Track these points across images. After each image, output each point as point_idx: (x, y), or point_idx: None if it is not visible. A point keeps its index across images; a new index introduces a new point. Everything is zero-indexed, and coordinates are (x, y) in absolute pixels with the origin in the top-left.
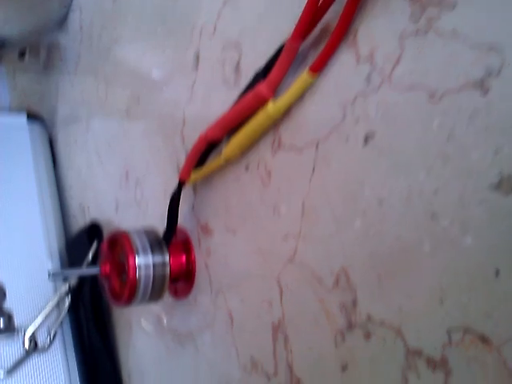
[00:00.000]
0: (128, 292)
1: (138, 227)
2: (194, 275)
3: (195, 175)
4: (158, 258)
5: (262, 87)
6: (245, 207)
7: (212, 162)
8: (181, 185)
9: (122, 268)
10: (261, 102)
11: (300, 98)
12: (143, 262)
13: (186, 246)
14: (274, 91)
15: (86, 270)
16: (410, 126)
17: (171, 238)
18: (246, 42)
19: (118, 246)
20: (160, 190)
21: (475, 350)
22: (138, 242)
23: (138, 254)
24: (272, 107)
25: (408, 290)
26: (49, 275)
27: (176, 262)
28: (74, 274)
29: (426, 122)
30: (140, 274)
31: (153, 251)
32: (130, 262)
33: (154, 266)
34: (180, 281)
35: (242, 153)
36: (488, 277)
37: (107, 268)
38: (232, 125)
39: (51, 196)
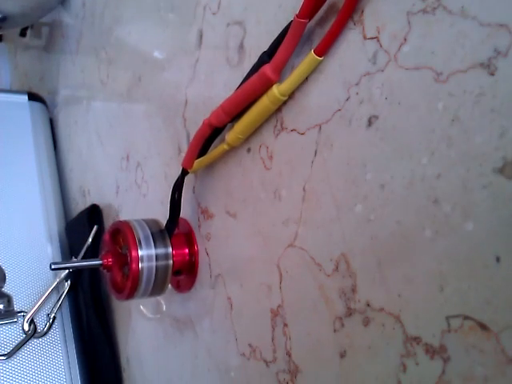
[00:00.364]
0: (130, 285)
1: (141, 218)
2: (197, 268)
3: (198, 163)
4: (161, 251)
5: (267, 69)
6: (246, 191)
7: (215, 149)
8: (184, 173)
9: (124, 260)
10: (266, 85)
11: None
12: (146, 254)
13: (189, 238)
14: (280, 73)
15: (88, 262)
16: (414, 107)
17: (174, 228)
18: (251, 20)
19: (120, 237)
20: (161, 172)
21: (474, 337)
22: (141, 233)
23: (140, 246)
24: (277, 91)
25: (408, 276)
26: (50, 267)
27: (179, 254)
28: (76, 266)
29: (431, 104)
30: (142, 266)
31: (156, 243)
32: (133, 253)
33: (156, 258)
34: (182, 274)
35: (246, 138)
36: (488, 263)
37: (109, 260)
38: (236, 109)
39: (51, 178)
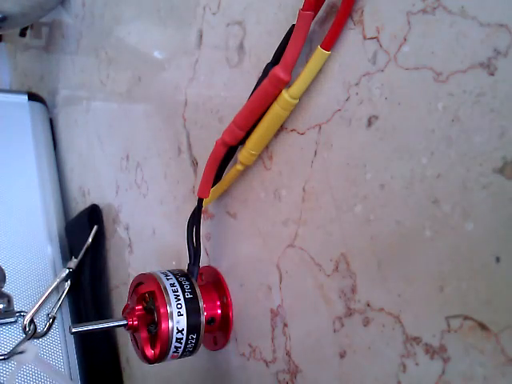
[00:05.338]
0: (159, 348)
1: (164, 269)
2: (231, 321)
3: (212, 194)
4: (193, 306)
5: (278, 69)
6: (246, 191)
7: (229, 173)
8: (200, 206)
9: (150, 317)
10: (278, 87)
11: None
12: (175, 311)
13: (218, 286)
14: (291, 73)
15: (111, 324)
16: (414, 107)
17: (197, 272)
18: (251, 20)
19: (144, 290)
20: (161, 172)
21: (474, 337)
22: (169, 289)
23: (169, 304)
24: (287, 95)
25: (408, 276)
26: (70, 330)
27: (210, 308)
28: (99, 328)
29: (431, 104)
30: (173, 325)
31: (186, 299)
32: (162, 310)
33: (187, 315)
34: (214, 331)
35: (261, 155)
36: (488, 263)
37: (135, 319)
38: (250, 121)
39: (51, 178)
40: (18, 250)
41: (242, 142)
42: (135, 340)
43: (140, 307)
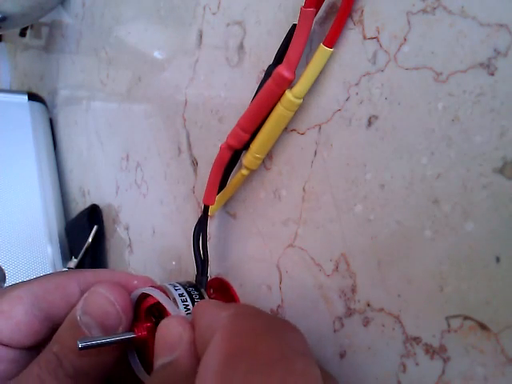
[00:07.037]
0: None
1: (172, 281)
2: None
3: (218, 202)
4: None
5: (281, 68)
6: (246, 191)
7: (234, 179)
8: (206, 213)
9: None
10: (282, 86)
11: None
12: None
13: (227, 297)
14: (294, 71)
15: (119, 337)
16: (414, 107)
17: (206, 282)
18: (251, 20)
19: (151, 302)
20: (161, 172)
21: (474, 337)
22: (178, 299)
23: (179, 313)
24: (291, 94)
25: (408, 276)
26: (78, 345)
27: None
28: (106, 343)
29: (430, 104)
30: None
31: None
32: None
33: None
34: None
35: (264, 158)
36: (488, 263)
37: (144, 331)
38: (255, 123)
39: (51, 178)
40: (18, 249)
41: (247, 145)
42: (145, 354)
43: (148, 320)
